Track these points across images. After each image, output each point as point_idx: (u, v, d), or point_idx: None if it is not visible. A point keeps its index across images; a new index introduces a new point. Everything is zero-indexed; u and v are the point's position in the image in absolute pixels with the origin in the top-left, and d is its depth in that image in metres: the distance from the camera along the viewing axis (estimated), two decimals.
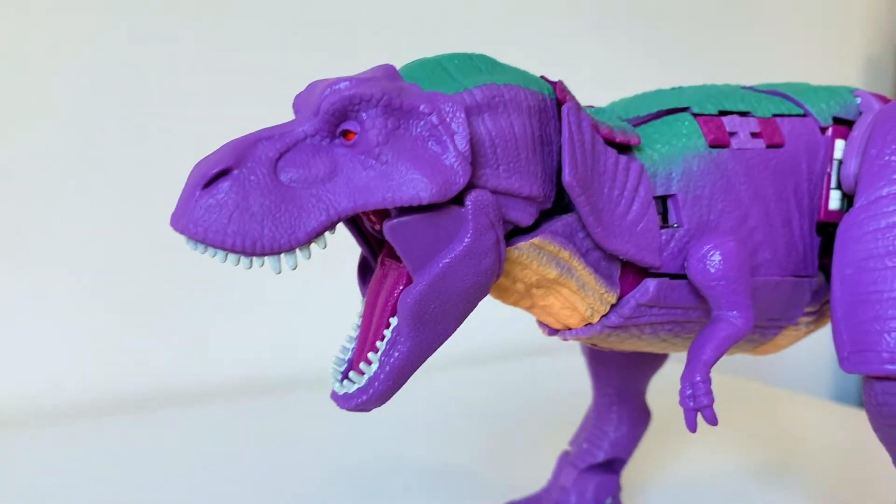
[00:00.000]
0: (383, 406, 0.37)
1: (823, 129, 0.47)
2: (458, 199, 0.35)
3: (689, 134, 0.43)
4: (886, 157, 0.45)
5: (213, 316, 0.92)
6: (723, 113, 0.44)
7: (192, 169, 0.34)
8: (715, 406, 0.40)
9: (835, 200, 0.47)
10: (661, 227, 0.41)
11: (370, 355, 0.37)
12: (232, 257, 0.33)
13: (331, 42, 0.98)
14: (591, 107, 0.44)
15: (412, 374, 0.37)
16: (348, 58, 0.94)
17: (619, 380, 0.58)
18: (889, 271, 0.43)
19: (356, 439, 0.76)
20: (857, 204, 0.45)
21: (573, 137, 0.38)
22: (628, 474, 0.68)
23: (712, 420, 0.40)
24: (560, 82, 0.39)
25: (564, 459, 0.60)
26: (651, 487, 0.67)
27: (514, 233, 0.38)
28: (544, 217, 0.39)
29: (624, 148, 0.41)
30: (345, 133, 0.34)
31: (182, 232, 0.33)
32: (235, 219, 0.33)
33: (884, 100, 0.50)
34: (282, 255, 0.34)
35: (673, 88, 0.47)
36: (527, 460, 0.69)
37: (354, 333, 0.39)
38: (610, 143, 0.40)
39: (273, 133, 0.34)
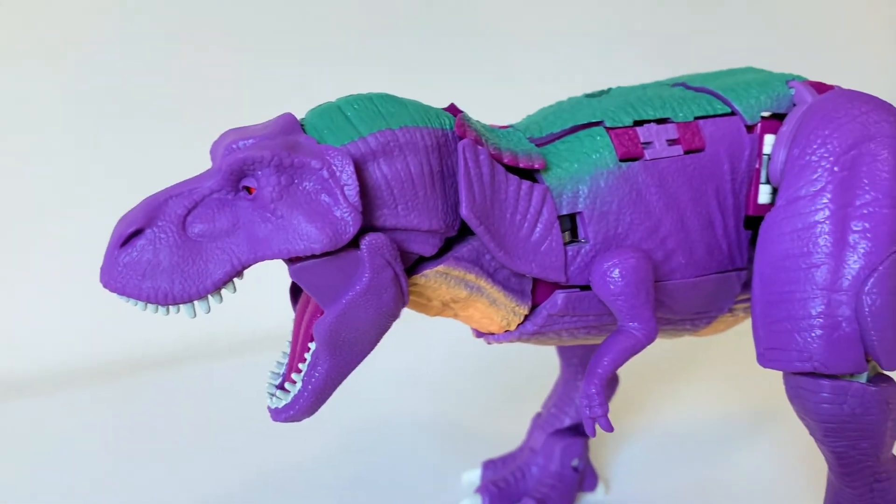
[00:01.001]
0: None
1: (750, 128, 0.48)
2: (355, 243, 0.38)
3: (600, 150, 0.44)
4: (807, 158, 0.46)
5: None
6: (638, 122, 0.45)
7: (115, 226, 0.38)
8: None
9: (764, 195, 0.48)
10: (570, 243, 0.43)
11: (294, 375, 0.41)
12: (151, 306, 0.37)
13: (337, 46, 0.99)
14: (501, 127, 0.46)
15: (335, 388, 0.42)
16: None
17: (583, 350, 0.61)
18: (802, 272, 0.45)
19: (356, 396, 0.82)
20: (777, 203, 0.46)
21: (469, 172, 0.40)
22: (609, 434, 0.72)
23: (607, 427, 0.43)
24: (460, 117, 0.41)
25: (536, 422, 0.64)
26: (627, 445, 0.71)
27: (421, 261, 0.41)
28: (454, 241, 0.42)
29: (527, 172, 0.43)
30: (247, 188, 0.38)
31: (105, 287, 0.37)
32: (148, 274, 0.37)
33: (820, 87, 0.50)
34: (195, 303, 0.38)
35: (596, 95, 0.48)
36: (515, 418, 0.73)
37: (287, 350, 0.43)
38: (513, 168, 0.42)
39: (182, 190, 0.38)
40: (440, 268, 0.41)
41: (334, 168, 0.37)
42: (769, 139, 0.48)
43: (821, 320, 0.44)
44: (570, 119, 0.45)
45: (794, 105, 0.49)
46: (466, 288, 0.42)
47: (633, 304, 0.43)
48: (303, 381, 0.41)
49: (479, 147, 0.41)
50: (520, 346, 0.76)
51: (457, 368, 0.87)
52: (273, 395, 0.42)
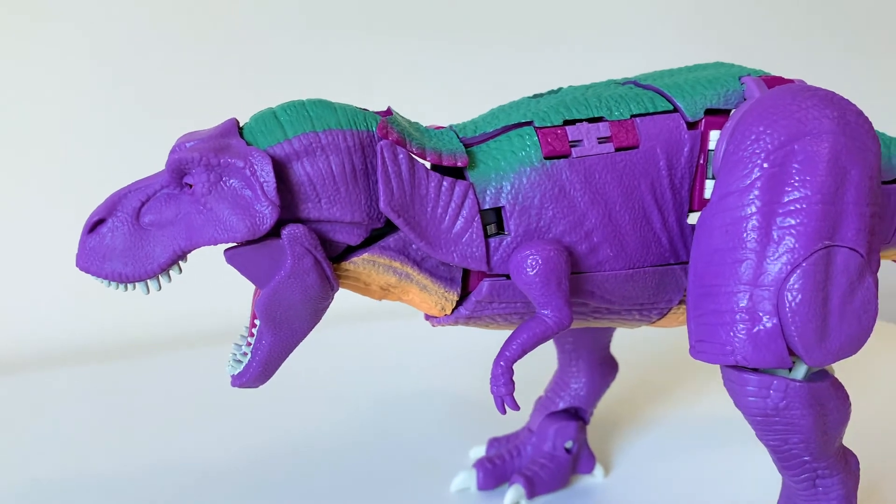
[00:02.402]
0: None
1: (693, 124, 0.49)
2: (279, 233, 0.44)
3: (527, 148, 0.47)
4: (740, 153, 0.46)
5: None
6: (570, 122, 0.48)
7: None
8: None
9: (710, 190, 0.49)
10: (494, 236, 0.47)
11: (244, 347, 0.47)
12: (113, 284, 0.44)
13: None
14: (437, 128, 0.49)
15: (282, 359, 0.47)
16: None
17: (574, 336, 0.64)
18: (729, 267, 0.46)
19: (379, 376, 0.87)
20: (711, 199, 0.47)
21: (387, 170, 0.44)
22: (614, 420, 0.74)
23: (513, 406, 0.46)
24: (384, 119, 0.45)
25: (537, 404, 0.67)
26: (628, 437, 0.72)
27: (350, 249, 0.46)
28: (385, 233, 0.46)
29: (456, 169, 0.47)
30: (189, 184, 0.44)
31: (77, 267, 0.44)
32: (108, 257, 0.43)
33: (773, 82, 0.50)
34: (148, 282, 0.44)
35: (541, 95, 0.51)
36: (526, 401, 0.76)
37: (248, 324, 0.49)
38: (438, 167, 0.46)
39: (140, 186, 0.44)
40: (366, 255, 0.46)
41: (255, 167, 0.42)
42: (714, 135, 0.49)
43: (744, 315, 0.45)
44: (505, 119, 0.48)
45: (745, 100, 0.49)
46: (395, 274, 0.47)
47: (544, 292, 0.45)
48: (251, 352, 0.47)
49: (399, 147, 0.45)
50: None
51: (474, 355, 0.90)
52: (232, 364, 0.48)
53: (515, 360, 0.46)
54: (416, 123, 0.48)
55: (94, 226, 0.44)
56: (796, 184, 0.45)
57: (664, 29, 1.20)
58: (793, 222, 0.45)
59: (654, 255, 0.49)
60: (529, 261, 0.45)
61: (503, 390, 0.46)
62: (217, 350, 0.96)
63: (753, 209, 0.45)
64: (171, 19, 1.00)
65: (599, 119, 0.48)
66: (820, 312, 0.44)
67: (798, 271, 0.44)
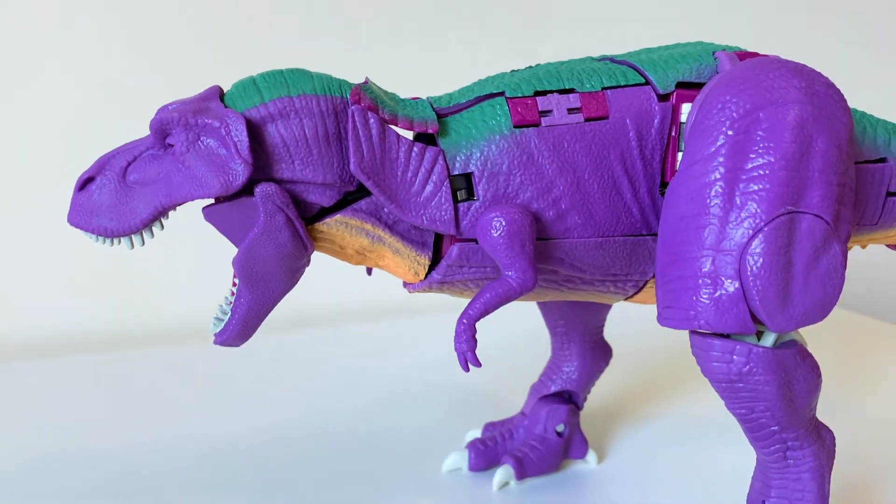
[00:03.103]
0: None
1: (664, 97, 0.50)
2: (252, 191, 0.46)
3: (497, 117, 0.48)
4: (706, 122, 0.47)
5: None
6: (539, 93, 0.49)
7: None
8: None
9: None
10: (463, 201, 0.48)
11: (224, 305, 0.49)
12: (100, 239, 0.47)
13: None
14: (413, 98, 0.51)
15: (260, 319, 0.49)
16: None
17: (566, 318, 0.64)
18: (693, 233, 0.46)
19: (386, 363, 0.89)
20: (679, 168, 0.48)
21: (358, 133, 0.46)
22: (620, 412, 0.74)
23: (474, 362, 0.47)
24: (357, 86, 0.47)
25: (532, 388, 0.68)
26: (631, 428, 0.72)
27: (325, 212, 0.48)
28: (358, 196, 0.48)
29: (427, 135, 0.48)
30: (171, 144, 0.46)
31: (68, 222, 0.47)
32: (95, 213, 0.46)
33: (748, 56, 0.51)
34: (132, 237, 0.47)
35: (519, 70, 0.52)
36: (525, 387, 0.76)
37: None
38: (420, 136, 0.48)
39: (128, 147, 0.47)
40: (338, 217, 0.47)
41: (230, 127, 0.45)
42: (686, 108, 0.50)
43: (706, 279, 0.45)
44: (479, 91, 0.50)
45: (717, 74, 0.50)
46: (368, 237, 0.48)
47: (508, 253, 0.46)
48: (231, 310, 0.49)
49: (371, 112, 0.47)
50: (535, 325, 0.80)
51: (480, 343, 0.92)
52: (214, 322, 0.50)
53: (478, 319, 0.47)
54: (393, 94, 0.50)
55: (84, 184, 0.47)
56: (760, 150, 0.45)
57: (682, 23, 1.21)
58: (755, 188, 0.45)
59: (625, 224, 0.50)
60: (494, 222, 0.47)
61: (465, 346, 0.47)
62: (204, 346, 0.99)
63: (717, 175, 0.46)
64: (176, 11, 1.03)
65: (570, 91, 0.49)
66: (782, 277, 0.45)
67: (760, 235, 0.45)
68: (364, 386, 0.84)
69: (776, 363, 0.46)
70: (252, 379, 0.87)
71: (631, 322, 0.84)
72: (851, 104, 0.51)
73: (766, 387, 0.46)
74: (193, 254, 0.98)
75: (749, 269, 0.44)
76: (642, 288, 0.53)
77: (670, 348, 0.91)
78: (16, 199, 1.02)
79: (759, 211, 0.45)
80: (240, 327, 0.49)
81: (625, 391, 0.81)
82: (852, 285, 1.19)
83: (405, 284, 0.53)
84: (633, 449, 0.69)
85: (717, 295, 0.45)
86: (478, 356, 0.47)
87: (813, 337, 0.72)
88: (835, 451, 0.50)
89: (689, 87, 0.50)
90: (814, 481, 0.48)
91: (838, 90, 0.48)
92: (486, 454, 0.65)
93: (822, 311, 0.46)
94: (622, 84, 0.50)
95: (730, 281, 0.45)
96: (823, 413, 0.53)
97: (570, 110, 0.49)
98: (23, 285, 1.03)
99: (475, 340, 0.47)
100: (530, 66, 0.52)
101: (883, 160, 0.53)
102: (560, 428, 0.65)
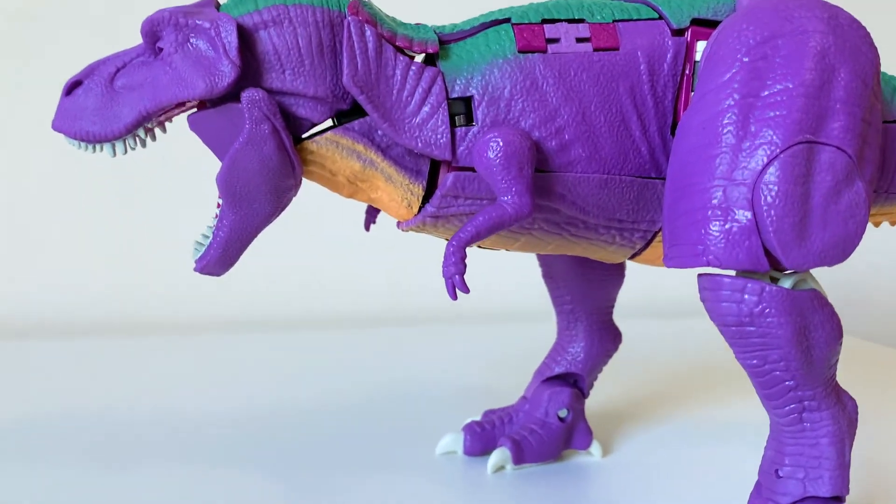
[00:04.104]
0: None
1: (678, 32, 0.47)
2: (239, 98, 0.44)
3: (501, 42, 0.46)
4: (720, 52, 0.45)
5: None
6: (547, 21, 0.47)
7: None
8: None
9: None
10: (461, 126, 0.46)
11: (206, 229, 0.47)
12: (83, 145, 0.45)
13: None
14: (420, 23, 0.49)
15: (242, 245, 0.47)
16: None
17: (572, 294, 0.61)
18: (704, 163, 0.43)
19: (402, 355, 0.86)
20: (691, 102, 0.46)
21: (353, 45, 0.44)
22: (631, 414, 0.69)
23: (462, 287, 0.44)
24: (355, 0, 0.46)
25: (536, 371, 0.64)
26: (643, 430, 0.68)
27: (317, 133, 0.46)
28: (351, 117, 0.46)
29: (428, 57, 0.46)
30: (161, 49, 0.45)
31: (52, 128, 0.45)
32: (79, 117, 0.45)
33: None
34: (115, 144, 0.45)
35: (521, 6, 0.50)
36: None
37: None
38: (407, 50, 0.46)
39: (118, 54, 0.46)
40: (329, 134, 0.45)
41: (221, 29, 0.43)
42: (701, 46, 0.47)
43: (716, 211, 0.42)
44: (484, 19, 0.48)
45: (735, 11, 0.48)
46: (359, 160, 0.46)
47: (504, 176, 0.44)
48: (213, 233, 0.46)
49: (368, 26, 0.45)
50: (546, 319, 0.76)
51: (480, 356, 0.90)
52: (195, 248, 0.48)
53: (468, 243, 0.44)
54: (394, 17, 0.48)
55: (70, 89, 0.45)
56: (778, 76, 0.43)
57: None
58: (772, 114, 0.42)
59: (633, 163, 0.47)
60: (491, 143, 0.44)
61: (452, 269, 0.44)
62: (223, 337, 0.98)
63: (731, 102, 0.43)
64: None
65: (580, 21, 0.47)
66: (799, 208, 0.41)
67: (776, 163, 0.41)
68: (367, 382, 0.80)
69: (791, 304, 0.42)
70: (259, 370, 0.85)
71: (650, 323, 0.80)
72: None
73: (779, 330, 0.42)
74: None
75: (763, 198, 0.41)
76: (651, 242, 0.50)
77: (690, 350, 0.87)
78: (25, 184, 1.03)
79: (775, 138, 0.42)
80: (221, 251, 0.46)
81: (639, 391, 0.76)
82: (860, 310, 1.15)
83: (398, 224, 0.50)
84: (642, 447, 0.64)
85: (727, 227, 0.42)
86: (466, 282, 0.44)
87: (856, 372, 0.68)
88: (857, 420, 0.46)
89: (705, 25, 0.48)
90: (832, 447, 0.44)
91: (863, 26, 0.45)
92: (482, 437, 0.61)
93: (843, 249, 0.42)
94: (634, 18, 0.48)
95: (742, 212, 0.42)
96: None
97: (579, 40, 0.47)
98: (32, 269, 1.03)
99: (464, 265, 0.44)
100: (524, 6, 0.50)
101: None
102: (563, 413, 0.61)
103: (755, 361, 0.43)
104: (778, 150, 0.41)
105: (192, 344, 0.95)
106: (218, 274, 0.48)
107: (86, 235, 1.08)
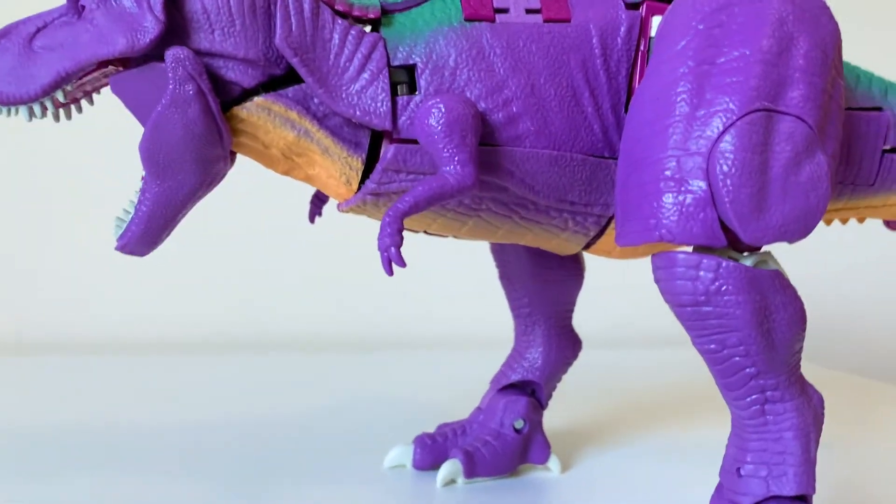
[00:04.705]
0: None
1: (633, 6, 0.45)
2: (164, 58, 0.41)
3: (448, 10, 0.44)
4: (674, 22, 0.43)
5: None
6: None
7: None
8: None
9: None
10: (404, 95, 0.43)
11: (128, 204, 0.44)
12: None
13: None
14: None
15: (167, 221, 0.44)
16: None
17: (530, 296, 0.58)
18: (658, 135, 0.41)
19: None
20: (644, 74, 0.43)
21: (287, 6, 0.42)
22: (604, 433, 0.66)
23: (397, 259, 0.40)
24: None
25: (492, 380, 0.60)
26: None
27: (245, 98, 0.43)
28: (286, 84, 0.43)
29: (371, 22, 0.44)
30: (84, 7, 0.42)
31: None
32: None
33: None
34: (32, 106, 0.42)
35: None
36: None
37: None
38: (346, 15, 0.44)
39: (40, 15, 0.43)
40: (259, 100, 0.43)
41: None
42: (657, 21, 0.45)
43: (669, 182, 0.39)
44: None
45: None
46: (292, 129, 0.43)
47: (446, 144, 0.41)
48: (135, 208, 0.43)
49: None
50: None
51: (445, 360, 0.88)
52: (116, 225, 0.45)
53: (406, 213, 0.41)
54: None
55: None
56: (735, 43, 0.41)
57: None
58: (728, 80, 0.40)
59: (585, 141, 0.45)
60: (433, 110, 0.41)
61: (388, 241, 0.40)
62: (172, 357, 0.94)
63: (685, 70, 0.41)
64: None
65: None
66: (756, 178, 0.39)
67: (732, 130, 0.39)
68: (322, 400, 0.77)
69: (749, 282, 0.39)
70: (213, 388, 0.81)
71: (620, 352, 0.77)
72: None
73: (737, 310, 0.39)
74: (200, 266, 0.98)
75: (719, 167, 0.39)
76: (605, 229, 0.47)
77: (658, 377, 0.83)
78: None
79: (731, 105, 0.39)
80: (143, 227, 0.43)
81: (606, 411, 0.73)
82: (850, 345, 1.12)
83: (338, 206, 0.47)
84: (603, 465, 0.60)
85: (681, 199, 0.39)
86: (402, 255, 0.41)
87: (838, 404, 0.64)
88: (823, 414, 0.42)
89: (661, 0, 0.46)
90: (797, 441, 0.41)
91: (824, 1, 0.43)
92: (433, 449, 0.57)
93: (804, 223, 0.39)
94: None
95: (697, 182, 0.39)
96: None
97: (529, 10, 0.45)
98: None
99: (401, 237, 0.41)
100: None
101: (878, 109, 0.48)
102: (519, 424, 0.57)
103: (713, 346, 0.40)
104: (734, 118, 0.39)
105: (143, 363, 0.91)
106: (141, 253, 0.45)
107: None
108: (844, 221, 0.53)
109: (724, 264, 0.39)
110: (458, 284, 1.01)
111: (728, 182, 0.38)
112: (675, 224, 0.39)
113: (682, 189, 0.39)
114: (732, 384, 0.41)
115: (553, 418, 0.62)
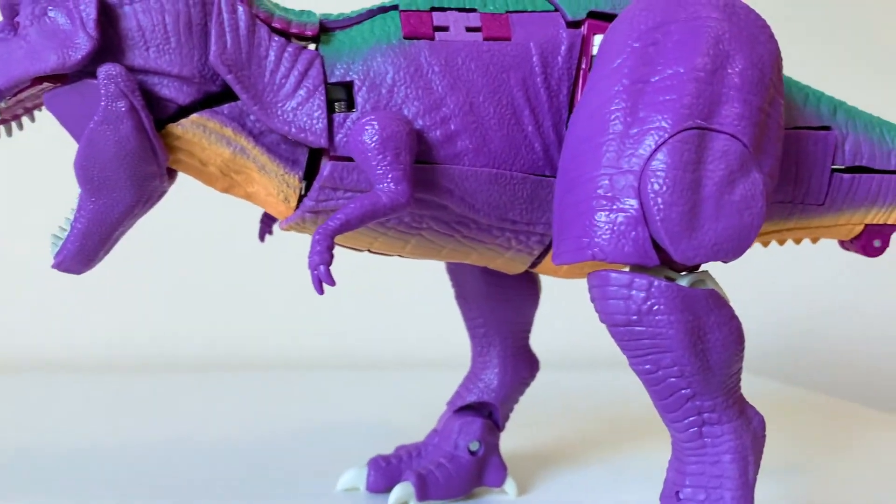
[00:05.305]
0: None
1: (574, 24, 0.45)
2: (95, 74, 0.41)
3: (387, 28, 0.44)
4: (612, 40, 0.42)
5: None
6: (437, 9, 0.45)
7: None
8: None
9: None
10: (342, 112, 0.43)
11: (64, 221, 0.44)
12: None
13: None
14: (302, 10, 0.47)
15: (102, 239, 0.43)
16: None
17: (485, 316, 0.57)
18: (592, 153, 0.40)
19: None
20: (582, 94, 0.43)
21: (223, 23, 0.42)
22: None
23: (327, 279, 0.40)
24: None
25: (448, 402, 0.60)
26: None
27: (182, 115, 0.43)
28: (223, 101, 0.43)
29: (309, 39, 0.44)
30: (19, 24, 0.42)
31: None
32: None
33: None
34: None
35: None
36: None
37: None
38: (284, 33, 0.44)
39: None
40: (195, 117, 0.42)
41: (80, 1, 0.41)
42: (598, 39, 0.45)
43: (601, 201, 0.39)
44: (374, 7, 0.46)
45: None
46: (229, 147, 0.43)
47: (380, 161, 0.41)
48: (71, 225, 0.43)
49: (241, 4, 0.43)
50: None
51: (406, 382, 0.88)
52: (52, 242, 0.44)
53: (336, 232, 0.41)
54: (278, 3, 0.46)
55: None
56: (669, 61, 0.40)
57: None
58: (662, 99, 0.39)
59: (525, 159, 0.44)
60: (366, 127, 0.41)
61: (317, 259, 0.40)
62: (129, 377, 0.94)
63: (620, 88, 0.40)
64: None
65: (471, 10, 0.45)
66: (688, 196, 0.38)
67: (664, 148, 0.39)
68: (279, 422, 0.76)
69: (682, 301, 0.38)
70: (166, 408, 0.80)
71: (581, 373, 0.76)
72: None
73: (670, 330, 0.38)
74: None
75: (650, 185, 0.38)
76: (550, 248, 0.47)
77: (619, 400, 0.82)
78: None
79: (664, 123, 0.39)
80: (78, 245, 0.43)
81: (566, 435, 0.72)
82: (845, 372, 1.11)
83: (280, 224, 0.47)
84: (561, 489, 0.59)
85: (613, 217, 0.39)
86: (332, 274, 0.40)
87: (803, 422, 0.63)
88: (764, 437, 0.42)
89: (603, 19, 0.45)
90: (734, 465, 0.40)
91: (761, 17, 0.43)
92: (387, 472, 0.57)
93: (738, 242, 0.39)
94: (528, 9, 0.46)
95: (628, 200, 0.39)
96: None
97: (469, 29, 0.44)
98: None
99: (331, 255, 0.40)
100: None
101: (826, 128, 0.48)
102: (474, 446, 0.57)
103: (648, 366, 0.40)
104: (667, 136, 0.39)
105: (98, 383, 0.90)
106: (78, 271, 0.44)
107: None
108: (798, 241, 0.52)
109: (655, 283, 0.38)
110: (422, 304, 1.00)
111: (659, 200, 0.38)
112: (607, 243, 0.39)
113: (615, 207, 0.39)
114: (669, 406, 0.40)
115: (511, 440, 0.61)
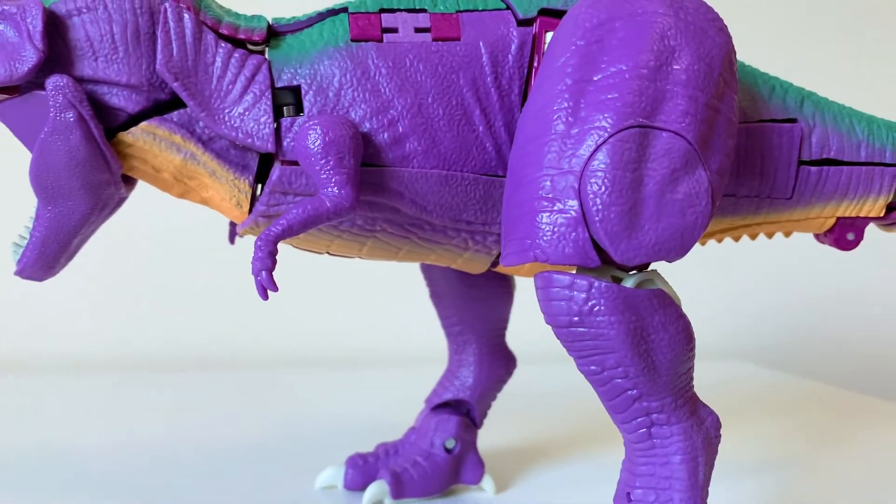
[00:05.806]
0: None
1: (525, 22, 0.45)
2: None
3: (335, 31, 0.44)
4: (556, 41, 0.42)
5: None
6: (385, 11, 0.45)
7: None
8: None
9: None
10: (289, 116, 0.43)
11: (24, 229, 0.44)
12: None
13: None
14: (251, 16, 0.47)
15: (61, 246, 0.44)
16: None
17: (460, 314, 0.57)
18: (535, 153, 0.40)
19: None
20: (530, 94, 0.43)
21: (169, 31, 0.42)
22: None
23: (269, 284, 0.40)
24: None
25: (426, 400, 0.60)
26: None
27: (132, 123, 0.43)
28: (173, 108, 0.43)
29: (257, 44, 0.44)
30: None
31: None
32: None
33: None
34: None
35: None
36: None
37: None
38: (231, 39, 0.44)
39: None
40: (144, 125, 0.43)
41: (27, 14, 0.41)
42: (550, 37, 0.44)
43: (543, 202, 0.39)
44: (324, 10, 0.46)
45: None
46: (179, 153, 0.43)
47: (323, 165, 0.41)
48: (30, 234, 0.44)
49: (188, 12, 0.43)
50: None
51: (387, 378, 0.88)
52: (13, 250, 0.45)
53: (279, 237, 0.41)
54: (229, 9, 0.46)
55: None
56: (613, 59, 0.40)
57: None
58: (603, 98, 0.39)
59: (477, 160, 0.44)
60: (309, 132, 0.41)
61: (259, 265, 0.40)
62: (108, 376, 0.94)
63: (563, 87, 0.40)
64: None
65: (421, 11, 0.45)
66: (628, 196, 0.38)
67: (603, 148, 0.38)
68: (262, 418, 0.76)
69: (624, 301, 0.38)
70: (144, 407, 0.81)
71: (559, 367, 0.75)
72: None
73: (611, 330, 0.38)
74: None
75: (589, 185, 0.38)
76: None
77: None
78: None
79: (604, 122, 0.38)
80: (38, 252, 0.44)
81: (544, 431, 0.71)
82: (848, 362, 1.08)
83: (237, 228, 0.47)
84: (540, 486, 0.59)
85: (554, 218, 0.38)
86: (275, 280, 0.41)
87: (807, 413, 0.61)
88: (717, 438, 0.41)
89: (555, 16, 0.45)
90: (683, 465, 0.39)
91: (712, 10, 0.42)
92: (364, 470, 0.57)
93: (681, 241, 0.38)
94: (479, 8, 0.45)
95: (569, 201, 0.38)
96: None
97: (418, 30, 0.44)
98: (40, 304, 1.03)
99: (273, 261, 0.41)
100: None
101: (792, 121, 0.47)
102: (450, 444, 0.57)
103: (593, 367, 0.39)
104: (607, 135, 0.38)
105: (79, 382, 0.91)
106: (39, 279, 0.45)
107: None
108: (770, 236, 0.51)
109: (596, 284, 0.38)
110: (405, 300, 1.00)
111: (598, 201, 0.37)
112: (548, 244, 0.38)
113: (556, 209, 0.38)
114: (616, 406, 0.40)
115: (489, 437, 0.61)
